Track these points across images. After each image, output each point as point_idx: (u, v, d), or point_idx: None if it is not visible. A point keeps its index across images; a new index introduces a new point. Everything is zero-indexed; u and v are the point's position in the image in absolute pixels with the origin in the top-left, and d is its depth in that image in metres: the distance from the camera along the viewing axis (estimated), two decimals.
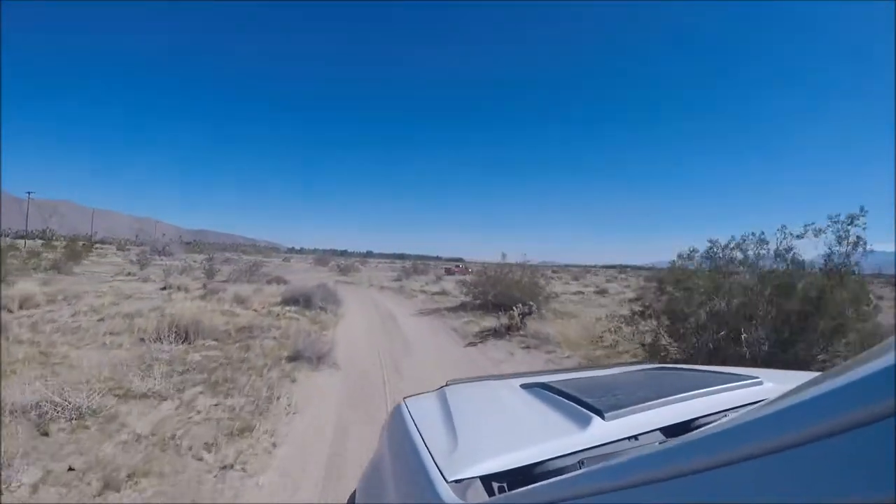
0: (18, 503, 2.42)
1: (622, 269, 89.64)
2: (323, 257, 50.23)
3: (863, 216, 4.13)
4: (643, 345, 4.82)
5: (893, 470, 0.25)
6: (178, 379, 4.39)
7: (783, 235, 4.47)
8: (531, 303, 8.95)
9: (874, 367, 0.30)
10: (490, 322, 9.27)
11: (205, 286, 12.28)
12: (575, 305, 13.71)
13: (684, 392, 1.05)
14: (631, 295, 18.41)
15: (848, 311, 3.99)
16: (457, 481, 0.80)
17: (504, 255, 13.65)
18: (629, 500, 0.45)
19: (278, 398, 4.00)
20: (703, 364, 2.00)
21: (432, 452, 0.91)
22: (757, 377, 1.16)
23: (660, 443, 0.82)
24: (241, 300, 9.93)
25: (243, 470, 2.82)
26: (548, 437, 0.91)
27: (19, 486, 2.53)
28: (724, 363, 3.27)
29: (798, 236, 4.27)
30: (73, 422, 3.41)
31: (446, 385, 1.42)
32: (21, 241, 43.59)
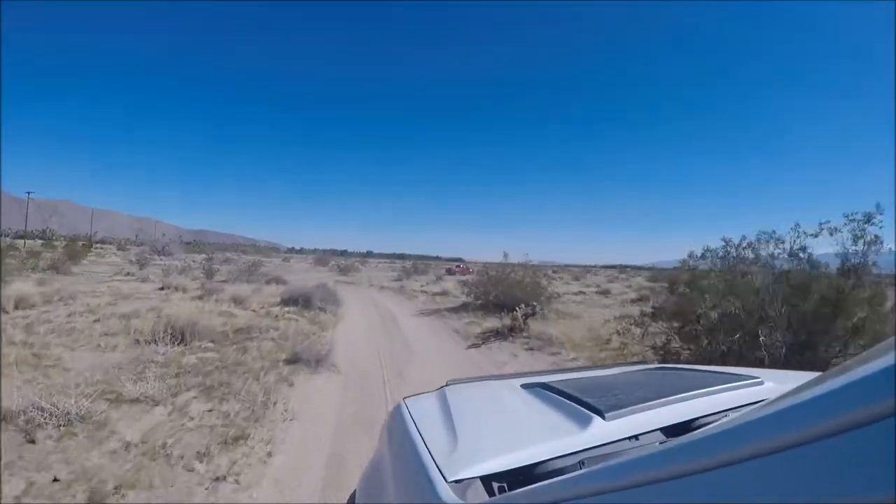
0: None
1: (622, 269, 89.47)
2: (323, 257, 50.08)
3: (880, 214, 4.01)
4: (653, 347, 4.66)
5: (893, 470, 0.25)
6: (172, 382, 4.25)
7: (797, 234, 4.34)
8: (534, 303, 8.81)
9: (874, 367, 0.30)
10: (492, 323, 9.13)
11: (203, 286, 12.14)
12: (577, 306, 13.56)
13: (685, 392, 1.04)
14: (633, 295, 18.28)
15: (865, 311, 3.86)
16: (457, 481, 0.79)
17: (506, 255, 13.48)
18: (630, 501, 0.45)
19: (275, 403, 3.85)
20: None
21: (432, 452, 0.90)
22: (757, 377, 1.15)
23: (660, 443, 0.81)
24: (239, 300, 9.79)
25: (236, 482, 2.67)
26: (548, 437, 0.90)
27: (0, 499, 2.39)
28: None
29: (814, 235, 4.13)
30: (62, 428, 3.28)
31: (446, 385, 1.40)
32: (21, 241, 43.50)
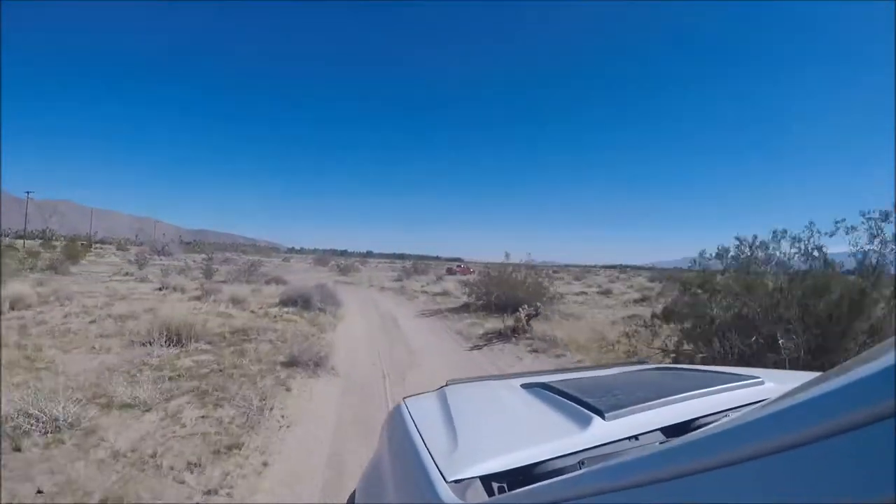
0: None
1: (622, 269, 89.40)
2: (323, 257, 49.98)
3: None
4: (664, 350, 4.50)
5: (893, 470, 0.25)
6: (166, 386, 4.11)
7: (810, 233, 4.19)
8: (538, 304, 8.67)
9: (874, 367, 0.30)
10: (494, 324, 8.99)
11: (202, 287, 12.01)
12: (579, 307, 13.43)
13: (685, 392, 1.03)
14: (636, 296, 18.17)
15: (884, 311, 3.73)
16: (456, 481, 0.79)
17: (507, 255, 13.34)
18: (629, 501, 0.45)
19: (271, 409, 3.70)
20: None
21: (432, 452, 0.90)
22: (758, 377, 1.15)
23: (660, 443, 0.81)
24: (237, 301, 9.67)
25: (229, 496, 2.52)
26: (548, 437, 0.90)
27: None
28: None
29: (830, 234, 3.99)
30: (49, 435, 3.15)
31: (446, 385, 1.39)
32: (20, 241, 43.39)
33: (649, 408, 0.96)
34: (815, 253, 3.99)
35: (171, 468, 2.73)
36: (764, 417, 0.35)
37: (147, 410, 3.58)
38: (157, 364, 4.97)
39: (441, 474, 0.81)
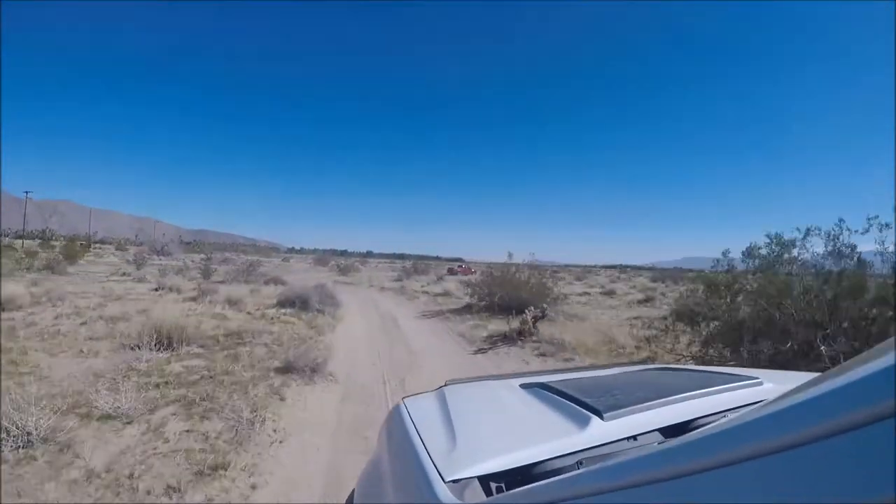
0: None
1: (623, 269, 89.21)
2: (323, 257, 49.72)
3: None
4: (690, 356, 4.19)
5: (893, 470, 0.25)
6: (151, 395, 3.85)
7: (840, 230, 3.91)
8: (544, 305, 8.39)
9: (874, 367, 0.30)
10: (498, 326, 8.72)
11: (199, 287, 11.76)
12: (583, 307, 13.17)
13: (684, 392, 1.03)
14: (639, 296, 17.92)
15: None
16: (455, 481, 0.79)
17: (510, 255, 13.08)
18: (628, 501, 0.44)
19: (263, 421, 3.42)
20: None
21: (430, 452, 0.89)
22: (757, 377, 1.15)
23: (659, 443, 0.79)
24: (234, 302, 9.41)
25: None
26: (546, 437, 0.90)
27: None
28: None
29: (863, 231, 3.71)
30: (21, 451, 2.89)
31: (445, 385, 1.39)
32: (19, 241, 43.18)
33: (648, 408, 0.96)
34: (849, 252, 3.71)
35: (149, 492, 2.46)
36: (763, 417, 0.34)
37: (128, 423, 3.32)
38: (145, 369, 4.71)
39: (439, 474, 0.80)
